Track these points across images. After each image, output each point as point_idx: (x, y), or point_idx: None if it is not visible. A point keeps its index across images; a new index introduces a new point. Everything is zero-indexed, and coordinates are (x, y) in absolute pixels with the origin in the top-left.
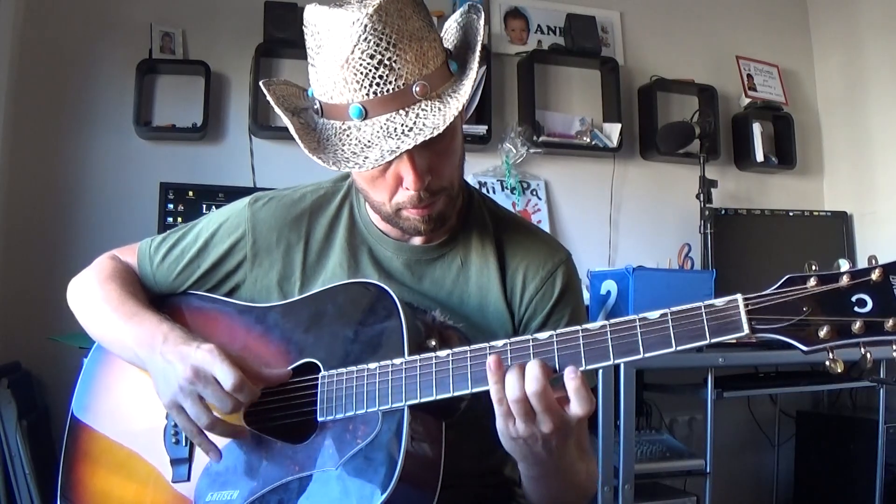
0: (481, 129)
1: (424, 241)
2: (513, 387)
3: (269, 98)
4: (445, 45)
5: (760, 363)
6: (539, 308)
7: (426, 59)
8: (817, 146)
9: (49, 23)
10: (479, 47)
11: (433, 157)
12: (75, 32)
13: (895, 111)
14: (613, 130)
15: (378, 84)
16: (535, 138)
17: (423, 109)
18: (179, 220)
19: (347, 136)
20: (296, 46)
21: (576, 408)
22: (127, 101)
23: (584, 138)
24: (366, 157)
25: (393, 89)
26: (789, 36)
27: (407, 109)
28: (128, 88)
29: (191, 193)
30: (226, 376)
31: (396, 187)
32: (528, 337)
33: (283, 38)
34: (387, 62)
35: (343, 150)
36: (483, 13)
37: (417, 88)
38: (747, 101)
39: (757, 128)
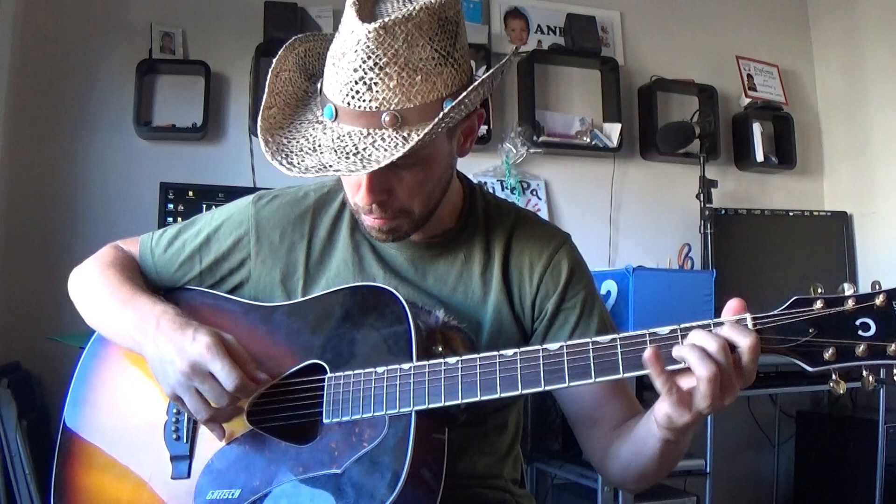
0: (481, 130)
1: (422, 237)
2: (701, 363)
3: (270, 76)
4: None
5: (760, 363)
6: (551, 287)
7: (411, 92)
8: (817, 146)
9: (49, 23)
10: (478, 83)
11: (394, 180)
12: (75, 32)
13: (895, 111)
14: (613, 130)
15: (353, 97)
16: (535, 138)
17: (382, 139)
18: (179, 219)
19: (314, 128)
20: None
21: (743, 342)
22: (127, 101)
23: (584, 138)
24: (301, 160)
25: (365, 108)
26: (789, 36)
27: (369, 131)
28: (128, 88)
29: (191, 193)
30: (226, 377)
31: (355, 190)
32: (539, 347)
33: (283, 38)
34: (367, 81)
35: (299, 142)
36: (510, 65)
37: (387, 118)
38: (747, 101)
39: (757, 128)
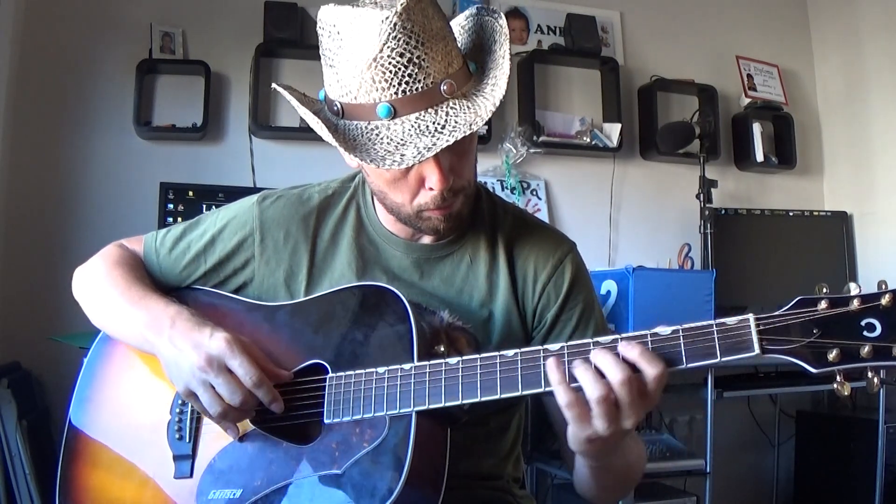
0: (481, 129)
1: (434, 239)
2: (593, 385)
3: (292, 100)
4: None
5: (761, 363)
6: (552, 297)
7: (450, 58)
8: (817, 146)
9: (49, 23)
10: (503, 47)
11: (455, 158)
12: (75, 32)
13: (895, 111)
14: (613, 130)
15: (407, 83)
16: (535, 138)
17: (451, 108)
18: (179, 219)
19: (377, 135)
20: (296, 46)
21: (650, 370)
22: (127, 101)
23: (584, 138)
24: (402, 155)
25: (422, 88)
26: (789, 36)
27: (436, 108)
28: (128, 88)
29: (191, 193)
30: (245, 373)
31: (418, 188)
32: (540, 348)
33: (283, 38)
34: (416, 60)
35: (376, 149)
36: (502, 14)
37: (445, 87)
38: (747, 101)
39: (757, 128)
